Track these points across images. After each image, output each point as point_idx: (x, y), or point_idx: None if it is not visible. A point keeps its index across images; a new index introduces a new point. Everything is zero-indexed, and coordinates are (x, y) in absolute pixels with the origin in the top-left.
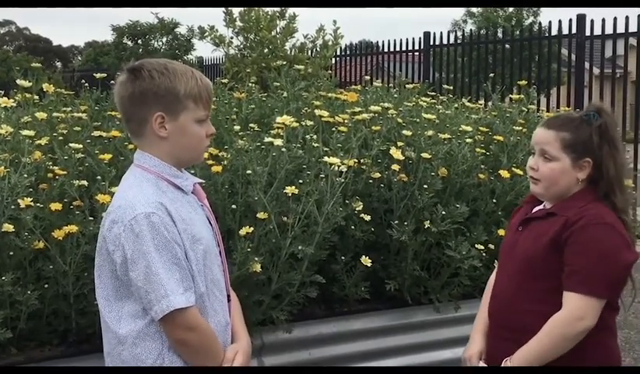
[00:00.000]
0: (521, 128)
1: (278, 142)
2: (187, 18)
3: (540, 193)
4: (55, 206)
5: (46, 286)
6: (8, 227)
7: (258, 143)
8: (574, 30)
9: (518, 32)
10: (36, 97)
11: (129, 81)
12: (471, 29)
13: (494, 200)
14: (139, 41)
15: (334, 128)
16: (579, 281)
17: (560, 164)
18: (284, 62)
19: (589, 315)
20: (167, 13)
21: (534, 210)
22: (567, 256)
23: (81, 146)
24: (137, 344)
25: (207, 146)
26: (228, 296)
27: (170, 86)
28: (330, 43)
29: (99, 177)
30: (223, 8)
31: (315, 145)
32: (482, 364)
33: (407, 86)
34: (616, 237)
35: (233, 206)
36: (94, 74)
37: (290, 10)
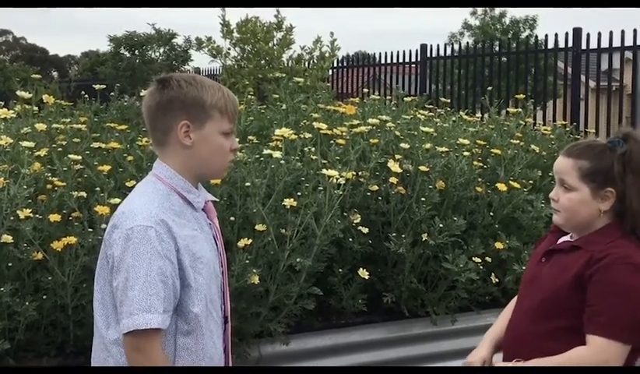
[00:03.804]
0: (518, 141)
1: (277, 154)
2: (184, 28)
3: (562, 224)
4: (54, 217)
5: (44, 297)
6: (7, 238)
7: (257, 155)
8: (570, 44)
9: (514, 45)
10: (36, 108)
11: (157, 91)
12: (467, 42)
13: (491, 213)
14: (136, 52)
15: (332, 141)
16: (603, 324)
17: (579, 195)
18: (283, 75)
19: (612, 359)
20: (164, 24)
21: (559, 241)
22: (590, 296)
23: (80, 157)
24: (123, 353)
25: (231, 161)
26: (226, 318)
27: (197, 96)
28: (327, 54)
29: (98, 188)
30: (220, 20)
31: (314, 157)
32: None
33: (405, 98)
34: None
35: (232, 218)
36: (92, 85)
37: (287, 22)
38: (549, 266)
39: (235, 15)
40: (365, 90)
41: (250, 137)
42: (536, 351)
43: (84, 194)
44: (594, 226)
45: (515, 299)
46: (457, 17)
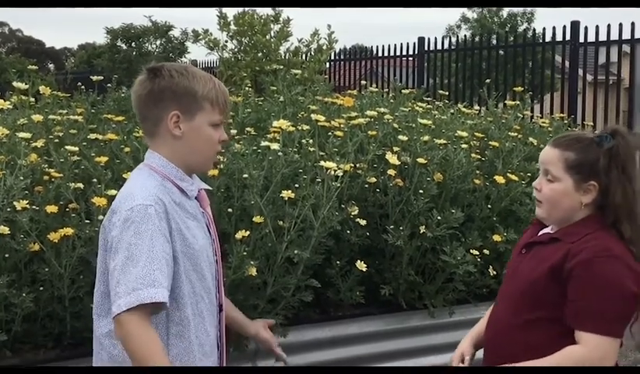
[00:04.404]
0: (516, 134)
1: (274, 146)
2: (181, 21)
3: (543, 216)
4: (51, 208)
5: (41, 288)
6: (4, 230)
7: (255, 147)
8: (567, 37)
9: (512, 38)
10: (32, 99)
11: (148, 80)
12: (465, 35)
13: (489, 206)
14: (133, 44)
15: (330, 133)
16: (592, 320)
17: (562, 185)
18: (281, 66)
19: (610, 356)
20: (161, 16)
21: (540, 233)
22: (573, 291)
23: (77, 148)
24: (115, 345)
25: (218, 152)
26: (221, 306)
27: (189, 86)
28: (324, 47)
29: (95, 179)
30: (217, 12)
31: (311, 149)
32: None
33: (403, 91)
34: (623, 270)
35: (229, 210)
36: (90, 76)
37: (284, 14)
38: (529, 257)
39: (232, 8)
40: (363, 82)
41: (247, 129)
42: (516, 341)
43: (81, 185)
44: (574, 218)
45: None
46: (455, 10)
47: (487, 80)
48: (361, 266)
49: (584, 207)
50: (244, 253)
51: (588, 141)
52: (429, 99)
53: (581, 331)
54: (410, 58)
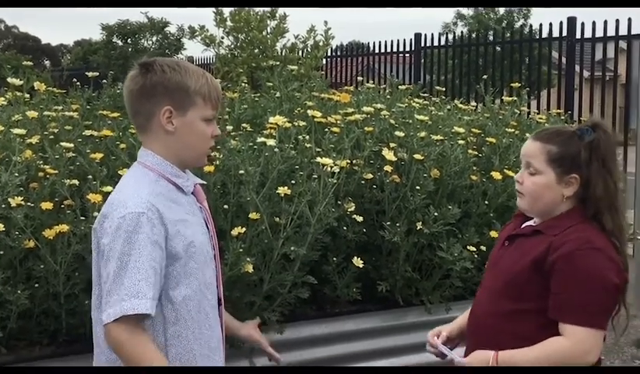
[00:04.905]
0: (513, 130)
1: (270, 142)
2: (177, 17)
3: (525, 208)
4: (46, 205)
5: (36, 285)
6: None
7: (251, 143)
8: (564, 33)
9: (508, 34)
10: (27, 95)
11: (140, 75)
12: (462, 31)
13: (486, 202)
14: (129, 40)
15: (327, 129)
16: (577, 312)
17: (544, 179)
18: (277, 63)
19: (594, 348)
20: (157, 12)
21: (523, 226)
22: (556, 284)
23: (72, 145)
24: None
25: (211, 147)
26: (220, 300)
27: (181, 81)
28: (321, 43)
29: (90, 176)
30: (214, 8)
31: (308, 145)
32: (436, 340)
33: (399, 87)
34: (605, 262)
35: (226, 207)
36: (85, 73)
37: (281, 10)
38: (511, 249)
39: (229, 8)
40: (360, 79)
41: (244, 125)
42: (502, 331)
43: (76, 182)
44: (556, 211)
45: None
46: (451, 7)
47: (484, 76)
48: (358, 262)
49: (566, 200)
50: (241, 250)
51: (569, 134)
52: (426, 95)
53: (564, 323)
54: (407, 55)
